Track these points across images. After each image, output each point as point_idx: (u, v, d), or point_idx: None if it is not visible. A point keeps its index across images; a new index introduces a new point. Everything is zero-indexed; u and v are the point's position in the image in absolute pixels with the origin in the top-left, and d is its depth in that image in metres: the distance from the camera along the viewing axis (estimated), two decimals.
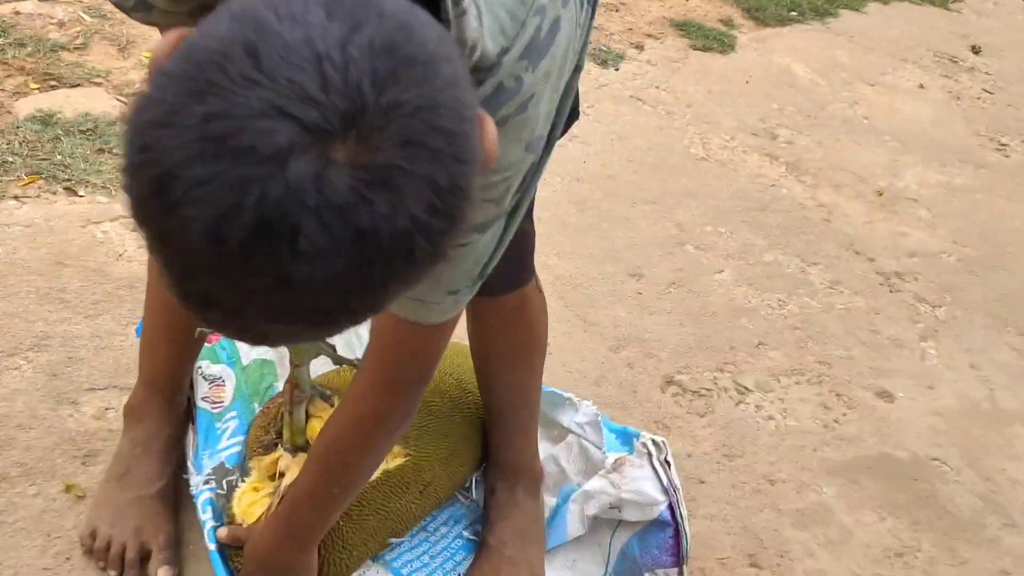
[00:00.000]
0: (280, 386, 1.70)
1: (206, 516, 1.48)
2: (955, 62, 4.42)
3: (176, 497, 1.56)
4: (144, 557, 1.45)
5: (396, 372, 1.19)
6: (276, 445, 1.51)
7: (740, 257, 2.69)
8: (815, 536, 1.93)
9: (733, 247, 2.73)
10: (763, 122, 3.43)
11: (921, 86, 4.11)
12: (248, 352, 1.68)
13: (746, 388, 2.25)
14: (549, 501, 1.74)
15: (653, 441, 1.65)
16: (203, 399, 1.62)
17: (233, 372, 1.66)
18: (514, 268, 1.49)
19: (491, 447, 1.68)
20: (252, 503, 1.47)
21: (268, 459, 1.50)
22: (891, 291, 2.76)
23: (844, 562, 1.89)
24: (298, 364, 1.43)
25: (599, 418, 1.80)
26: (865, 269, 2.82)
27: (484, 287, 1.40)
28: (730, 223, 2.83)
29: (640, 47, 3.64)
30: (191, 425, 1.61)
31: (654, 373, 2.20)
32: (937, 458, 2.21)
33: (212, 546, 1.46)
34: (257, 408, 1.63)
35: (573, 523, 1.67)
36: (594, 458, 1.78)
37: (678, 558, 1.60)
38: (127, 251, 2.01)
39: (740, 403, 2.21)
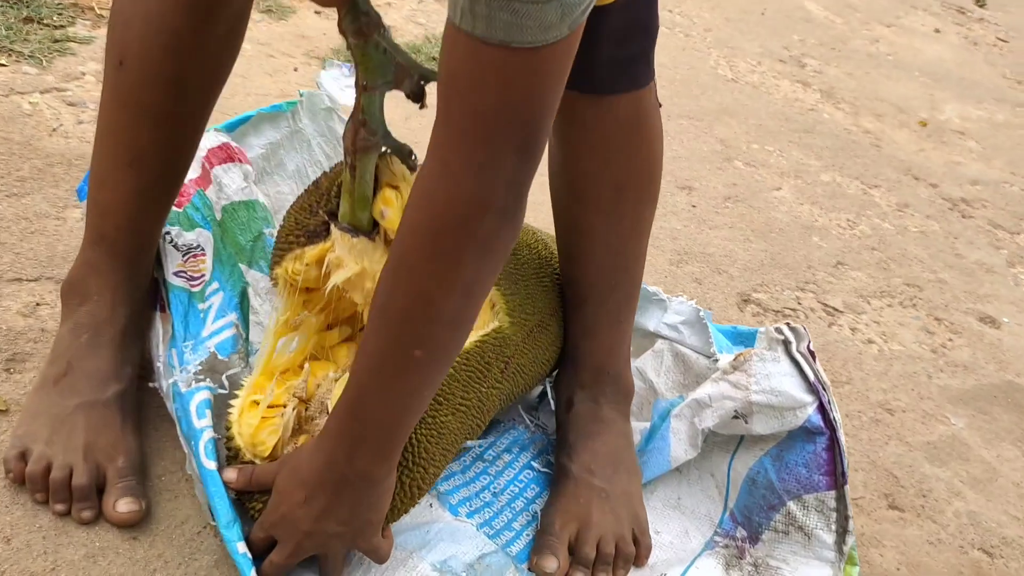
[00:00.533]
0: (274, 232, 1.18)
1: (203, 423, 1.01)
2: (963, 12, 4.15)
3: (138, 408, 1.09)
4: (99, 486, 0.98)
5: (480, 132, 0.77)
6: (324, 233, 1.01)
7: (796, 175, 2.30)
8: (956, 473, 1.53)
9: (786, 165, 2.34)
10: (788, 51, 3.07)
11: (937, 30, 3.82)
12: (217, 201, 1.19)
13: (835, 309, 1.85)
14: (637, 426, 1.30)
15: (790, 327, 1.20)
16: (177, 274, 1.14)
17: (211, 231, 1.18)
18: (634, 56, 1.07)
19: (571, 343, 1.24)
20: (262, 427, 1.00)
21: (310, 254, 1.00)
22: (963, 216, 2.39)
23: (998, 503, 1.49)
24: (368, 87, 0.93)
25: (701, 315, 1.36)
26: (930, 194, 2.45)
27: (595, 79, 1.03)
28: (777, 142, 2.44)
29: None
30: (159, 312, 1.14)
31: (727, 290, 1.79)
32: None
33: (211, 464, 0.99)
34: (245, 269, 1.16)
35: (678, 445, 1.22)
36: (696, 366, 1.34)
37: (834, 477, 1.16)
38: (63, 125, 1.53)
39: (832, 325, 1.80)
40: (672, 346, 1.36)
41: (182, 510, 1.04)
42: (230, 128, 1.34)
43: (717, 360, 1.29)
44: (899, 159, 2.59)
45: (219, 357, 1.07)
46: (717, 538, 1.21)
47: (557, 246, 1.22)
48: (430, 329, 0.84)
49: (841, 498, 1.15)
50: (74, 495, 0.96)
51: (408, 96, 0.97)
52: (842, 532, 1.16)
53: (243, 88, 1.77)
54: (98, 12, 1.85)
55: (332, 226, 1.00)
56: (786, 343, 1.20)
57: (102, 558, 0.97)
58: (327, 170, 1.25)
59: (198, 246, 1.16)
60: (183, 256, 1.15)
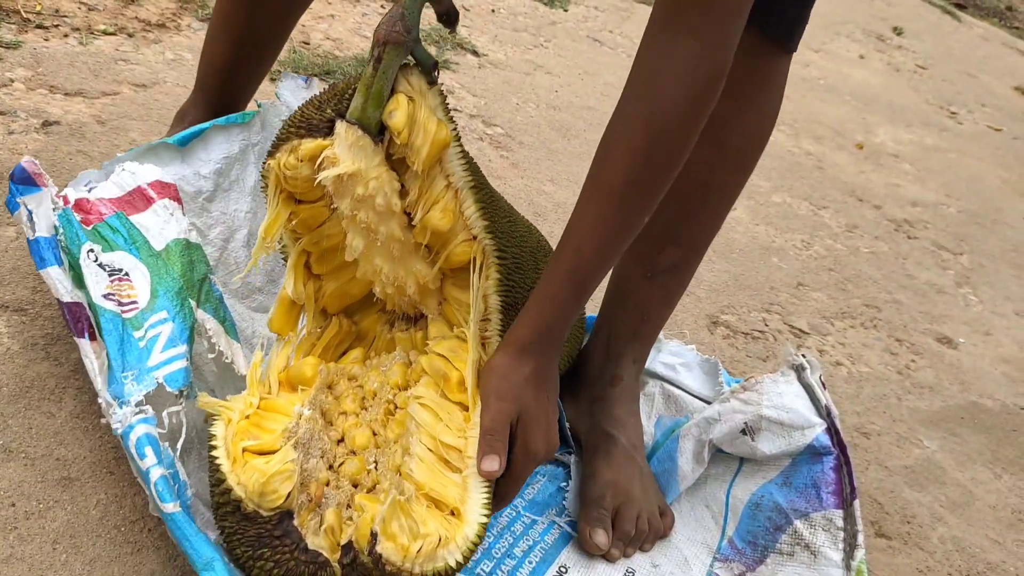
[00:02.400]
0: (216, 279, 1.15)
1: (148, 463, 0.89)
2: (882, 39, 4.25)
3: None
4: None
5: (733, 5, 0.88)
6: (327, 131, 0.96)
7: (748, 196, 2.29)
8: (936, 497, 1.50)
9: None
10: None
11: (861, 56, 3.90)
12: (160, 233, 1.10)
13: (802, 331, 1.82)
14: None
15: (804, 355, 1.16)
16: (107, 297, 1.02)
17: (140, 261, 1.07)
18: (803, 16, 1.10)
19: (633, 311, 1.21)
20: (271, 476, 0.88)
21: (306, 147, 0.96)
22: (908, 237, 2.41)
23: (978, 527, 1.47)
24: None
25: (700, 359, 1.33)
26: (875, 215, 2.47)
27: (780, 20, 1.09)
28: None
29: None
30: (88, 341, 1.00)
31: (696, 312, 1.74)
32: None
33: (169, 506, 0.88)
34: (194, 305, 1.06)
35: (685, 463, 1.17)
36: (690, 406, 1.29)
37: (842, 496, 1.11)
38: None
39: (800, 346, 1.77)
40: (664, 388, 1.31)
41: (146, 564, 0.93)
42: (182, 142, 1.23)
43: (723, 392, 1.25)
44: (842, 180, 2.60)
45: (167, 389, 0.96)
46: (717, 565, 1.15)
47: None
48: (664, 187, 0.93)
49: (850, 516, 1.11)
50: None
51: (440, 17, 0.99)
52: (850, 549, 1.12)
53: (186, 99, 1.65)
54: (24, 15, 1.71)
55: (338, 122, 0.96)
56: (800, 369, 1.16)
57: None
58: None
59: (122, 270, 1.05)
60: (109, 277, 1.03)
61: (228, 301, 1.16)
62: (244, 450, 0.92)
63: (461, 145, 1.02)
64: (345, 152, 0.96)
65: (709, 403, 1.27)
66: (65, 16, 1.78)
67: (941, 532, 1.43)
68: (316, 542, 0.89)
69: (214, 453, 0.91)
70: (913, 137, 3.19)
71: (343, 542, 0.90)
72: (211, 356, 1.09)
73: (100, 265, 1.05)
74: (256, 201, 1.28)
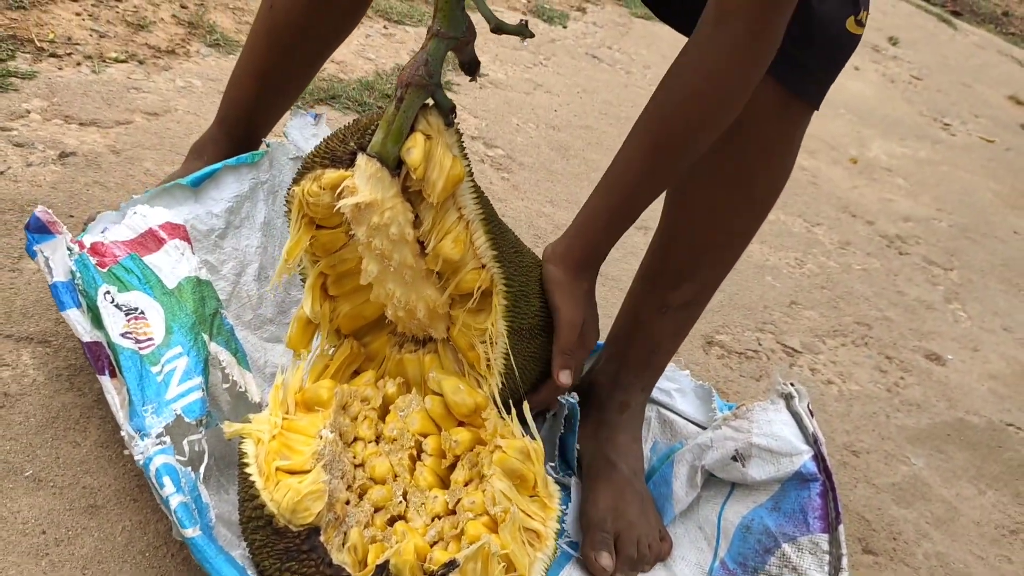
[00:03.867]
0: (227, 313, 1.22)
1: (168, 491, 0.95)
2: (878, 50, 4.30)
3: None
4: None
5: None
6: (349, 162, 1.05)
7: None
8: (922, 514, 1.56)
9: None
10: None
11: (856, 68, 3.95)
12: (172, 272, 1.17)
13: (794, 350, 1.88)
14: None
15: (793, 384, 1.22)
16: (124, 335, 1.08)
17: (155, 299, 1.13)
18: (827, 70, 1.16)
19: (647, 340, 1.27)
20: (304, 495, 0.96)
21: (329, 176, 1.04)
22: (900, 253, 2.47)
23: (962, 543, 1.53)
24: (440, 34, 1.01)
25: (695, 384, 1.38)
26: (868, 232, 2.52)
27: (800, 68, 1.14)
28: None
29: (582, 10, 3.28)
30: (109, 378, 1.07)
31: (692, 332, 1.79)
32: (1012, 423, 1.89)
33: (191, 531, 0.94)
34: (207, 338, 1.12)
35: (680, 488, 1.23)
36: (684, 431, 1.34)
37: (827, 521, 1.17)
38: (11, 168, 1.45)
39: (793, 365, 1.83)
40: (660, 412, 1.36)
41: None
42: (195, 183, 1.29)
43: (715, 419, 1.30)
44: (836, 196, 2.66)
45: (186, 420, 1.03)
46: None
47: (665, 213, 1.25)
48: (704, 141, 1.07)
49: (835, 540, 1.16)
50: None
51: (462, 65, 1.07)
52: (835, 572, 1.17)
53: (197, 127, 1.70)
54: (38, 45, 1.77)
55: (359, 154, 1.04)
56: (788, 397, 1.22)
57: None
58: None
59: (138, 309, 1.11)
60: (125, 317, 1.09)
61: (241, 332, 1.22)
62: (277, 469, 0.99)
63: (474, 180, 1.09)
64: (364, 183, 1.03)
65: (703, 428, 1.32)
66: (77, 44, 1.83)
67: (926, 548, 1.49)
68: (340, 558, 0.97)
69: (247, 470, 0.98)
70: (906, 150, 3.25)
71: (369, 561, 0.99)
72: (225, 387, 1.14)
73: (117, 306, 1.11)
74: (266, 237, 1.34)
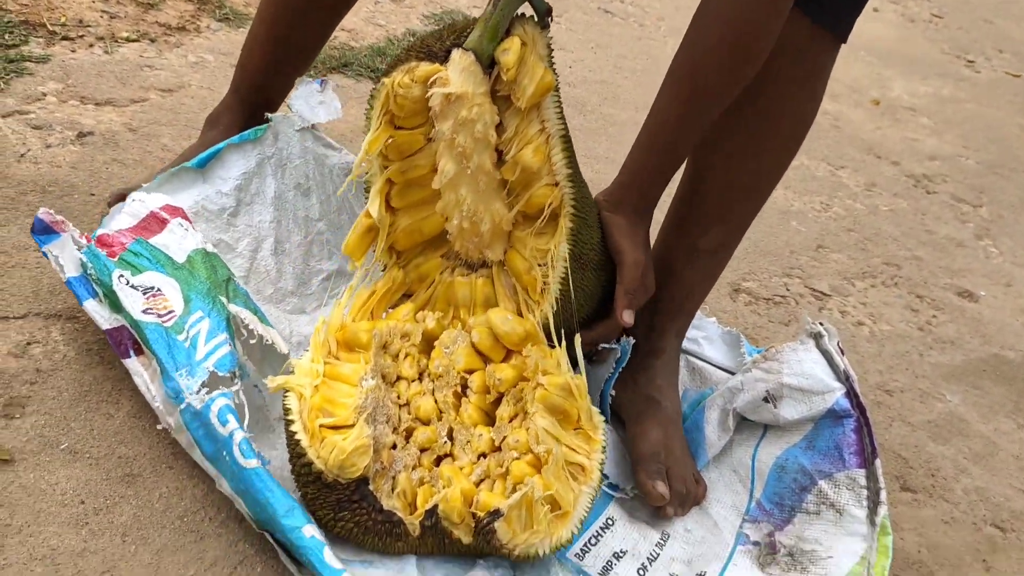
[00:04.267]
0: (248, 289, 1.23)
1: (229, 428, 0.98)
2: None
3: None
4: None
5: None
6: (443, 58, 1.06)
7: None
8: (959, 450, 1.55)
9: None
10: None
11: (875, 9, 3.87)
12: (179, 248, 1.18)
13: (823, 293, 1.86)
14: None
15: (822, 323, 1.21)
16: (145, 312, 1.09)
17: (168, 275, 1.14)
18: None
19: (680, 287, 1.26)
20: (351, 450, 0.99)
21: (423, 69, 1.06)
22: (927, 192, 2.43)
23: (1002, 477, 1.51)
24: None
25: (722, 331, 1.38)
26: (894, 172, 2.48)
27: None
28: None
29: None
30: (135, 358, 1.09)
31: (718, 281, 1.78)
32: None
33: (252, 462, 0.97)
34: (225, 301, 1.13)
35: (712, 432, 1.22)
36: (714, 377, 1.34)
37: (863, 456, 1.16)
38: (31, 151, 1.45)
39: (823, 309, 1.81)
40: (689, 361, 1.36)
41: (210, 551, 0.99)
42: (201, 164, 1.29)
43: (745, 363, 1.29)
44: (860, 139, 2.62)
45: (219, 374, 1.04)
46: (747, 526, 1.20)
47: (693, 157, 1.23)
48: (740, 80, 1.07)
49: (871, 475, 1.16)
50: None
51: (536, 9, 1.08)
52: (873, 506, 1.16)
53: (212, 101, 1.70)
54: (50, 28, 1.77)
55: (454, 49, 1.06)
56: (818, 336, 1.21)
57: None
58: (311, 188, 1.36)
59: (154, 287, 1.12)
60: (143, 295, 1.10)
61: (263, 307, 1.22)
62: (321, 426, 1.00)
63: (559, 96, 1.10)
64: (456, 75, 1.05)
65: (732, 374, 1.31)
66: (89, 26, 1.83)
67: (965, 483, 1.47)
68: (390, 503, 1.01)
69: (292, 428, 0.99)
70: (929, 89, 3.19)
71: (419, 505, 1.02)
72: (252, 342, 1.14)
73: (132, 287, 1.12)
74: (278, 211, 1.34)
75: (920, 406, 1.62)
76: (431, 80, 1.06)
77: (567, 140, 1.10)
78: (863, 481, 1.15)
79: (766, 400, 1.18)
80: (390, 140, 1.11)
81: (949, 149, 2.75)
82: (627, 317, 1.12)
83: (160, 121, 1.63)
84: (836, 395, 1.17)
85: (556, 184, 1.09)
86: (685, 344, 1.37)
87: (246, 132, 1.33)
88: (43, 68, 1.66)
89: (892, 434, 1.53)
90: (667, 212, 1.29)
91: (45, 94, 1.60)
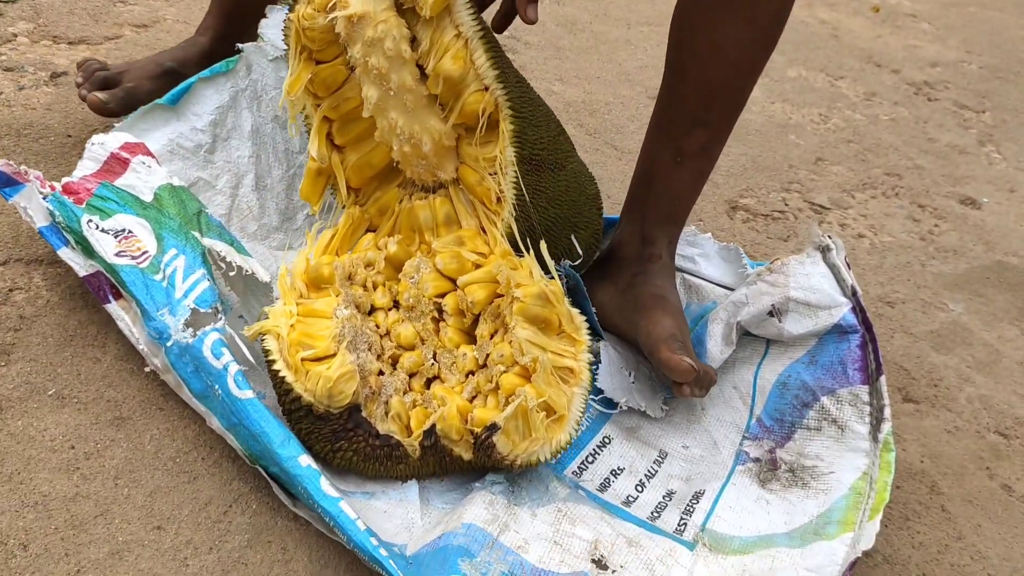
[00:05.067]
0: (212, 211, 1.21)
1: (223, 360, 0.97)
2: None
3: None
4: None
5: None
6: None
7: (763, 74, 2.25)
8: (962, 359, 1.53)
9: None
10: None
11: None
12: (145, 186, 1.15)
13: (822, 207, 1.82)
14: None
15: (829, 236, 1.18)
16: (118, 255, 1.07)
17: (137, 216, 1.12)
18: None
19: (667, 190, 1.23)
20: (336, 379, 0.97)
21: None
22: (929, 100, 2.38)
23: (1005, 384, 1.50)
24: None
25: (719, 247, 1.34)
26: (894, 80, 2.42)
27: None
28: None
29: None
30: (113, 302, 1.07)
31: (714, 199, 1.75)
32: None
33: (246, 393, 0.95)
34: (198, 235, 1.10)
35: (715, 346, 1.20)
36: (712, 294, 1.31)
37: (867, 373, 1.14)
38: (3, 93, 1.42)
39: (822, 223, 1.78)
40: (685, 279, 1.33)
41: (204, 491, 0.99)
42: (173, 100, 1.26)
43: (747, 275, 1.27)
44: (859, 47, 2.55)
45: (200, 310, 1.02)
46: (746, 443, 1.19)
47: (670, 59, 1.19)
48: None
49: (875, 391, 1.14)
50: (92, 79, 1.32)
51: None
52: (876, 422, 1.15)
53: (188, 35, 1.65)
54: None
55: None
56: (825, 249, 1.18)
57: (128, 553, 0.92)
58: (285, 124, 1.31)
59: (125, 229, 1.09)
60: (115, 239, 1.08)
61: (248, 244, 1.20)
62: (303, 360, 0.99)
63: None
64: None
65: (732, 290, 1.29)
66: None
67: (968, 392, 1.46)
68: (386, 427, 1.00)
69: (275, 367, 0.98)
70: None
71: (413, 427, 1.01)
72: (231, 274, 1.12)
73: (103, 231, 1.09)
74: (257, 145, 1.30)
75: (922, 316, 1.60)
76: (330, 5, 1.02)
77: (489, 40, 1.05)
78: (866, 397, 1.13)
79: (771, 314, 1.16)
80: (312, 77, 1.08)
81: (952, 55, 2.68)
82: (531, 13, 1.07)
83: (135, 58, 1.58)
84: (843, 310, 1.15)
85: (486, 88, 1.05)
86: (682, 263, 1.34)
87: (216, 64, 1.29)
88: (12, 8, 1.61)
89: (894, 345, 1.51)
90: (650, 120, 1.26)
91: (16, 35, 1.55)
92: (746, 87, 1.20)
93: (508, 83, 1.06)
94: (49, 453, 0.98)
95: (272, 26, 1.34)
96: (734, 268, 1.33)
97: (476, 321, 1.09)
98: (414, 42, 1.05)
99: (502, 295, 1.07)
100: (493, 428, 0.97)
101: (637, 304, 1.21)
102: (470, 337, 1.09)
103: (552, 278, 1.06)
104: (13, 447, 0.97)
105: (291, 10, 1.06)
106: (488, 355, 1.04)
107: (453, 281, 1.11)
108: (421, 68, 1.07)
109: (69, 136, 1.37)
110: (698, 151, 1.20)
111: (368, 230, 1.18)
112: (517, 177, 1.06)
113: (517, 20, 2.15)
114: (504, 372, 1.02)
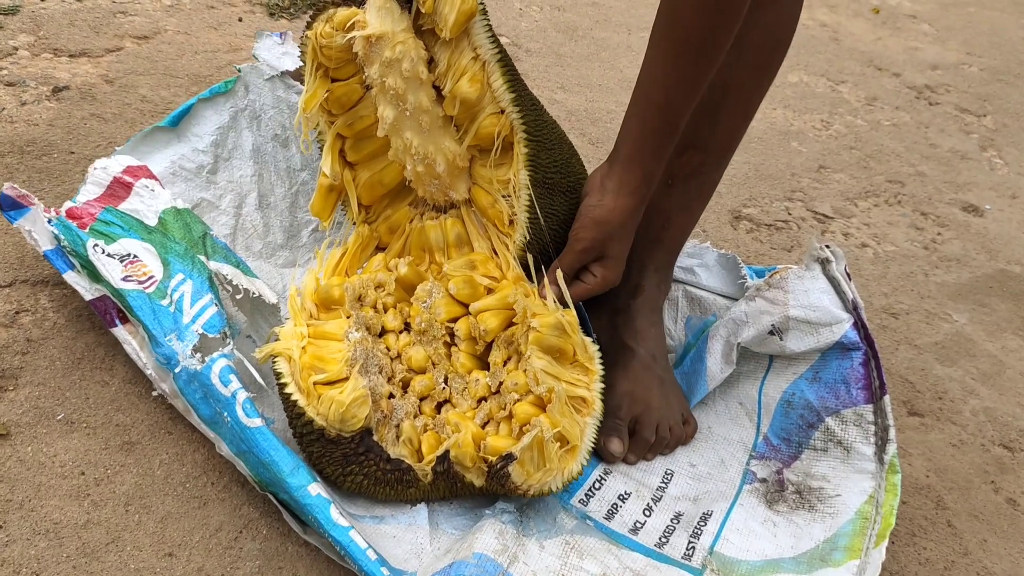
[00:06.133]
0: (216, 231, 1.21)
1: (232, 388, 0.97)
2: None
3: None
4: None
5: None
6: (361, 2, 1.05)
7: None
8: (967, 371, 1.53)
9: None
10: None
11: None
12: (149, 210, 1.15)
13: (825, 216, 1.82)
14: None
15: (830, 247, 1.18)
16: (125, 280, 1.07)
17: (142, 241, 1.12)
18: None
19: (657, 221, 1.22)
20: (349, 403, 0.97)
21: (341, 15, 1.04)
22: (930, 104, 2.38)
23: (1010, 396, 1.50)
24: None
25: (717, 255, 1.34)
26: (895, 84, 2.42)
27: None
28: None
29: None
30: (121, 327, 1.08)
31: (718, 209, 1.75)
32: None
33: (255, 421, 0.95)
34: (204, 259, 1.10)
35: (714, 364, 1.20)
36: (714, 306, 1.31)
37: (871, 391, 1.14)
38: (5, 109, 1.41)
39: (825, 232, 1.78)
40: (686, 290, 1.33)
41: (214, 517, 0.99)
42: (173, 123, 1.26)
43: (747, 286, 1.27)
44: (860, 51, 2.55)
45: (209, 336, 1.02)
46: (753, 462, 1.19)
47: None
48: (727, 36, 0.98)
49: (880, 410, 1.14)
50: None
51: None
52: (881, 443, 1.15)
53: (189, 47, 1.65)
54: None
55: None
56: (824, 261, 1.18)
57: None
58: (288, 137, 1.31)
59: (130, 254, 1.09)
60: (121, 263, 1.07)
61: (254, 263, 1.20)
62: (315, 384, 0.99)
63: (488, 20, 1.06)
64: (374, 16, 1.02)
65: (734, 300, 1.29)
66: None
67: (973, 404, 1.46)
68: (397, 451, 1.01)
69: (287, 390, 0.98)
70: None
71: (424, 452, 1.02)
72: (238, 297, 1.12)
73: (109, 255, 1.09)
74: (258, 164, 1.30)
75: (926, 327, 1.60)
76: (349, 25, 1.03)
77: (505, 63, 1.05)
78: (870, 417, 1.13)
79: (771, 333, 1.16)
80: (328, 94, 1.08)
81: (952, 57, 2.68)
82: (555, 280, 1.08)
83: (137, 71, 1.58)
84: (844, 327, 1.15)
85: (502, 111, 1.06)
86: (681, 275, 1.34)
87: (216, 85, 1.29)
88: (12, 21, 1.60)
89: (898, 358, 1.52)
90: None
91: (16, 48, 1.55)
92: (738, 111, 1.19)
93: (524, 106, 1.06)
94: (59, 479, 0.98)
95: (264, 48, 1.34)
96: (734, 276, 1.32)
97: (489, 346, 1.09)
98: (431, 63, 1.06)
99: (515, 323, 1.07)
100: (509, 458, 0.97)
101: (607, 354, 1.21)
102: (481, 362, 1.09)
103: (567, 307, 1.06)
104: (24, 474, 0.97)
105: (309, 28, 1.05)
106: (501, 383, 1.04)
107: (465, 305, 1.11)
108: (437, 89, 1.07)
109: (72, 153, 1.36)
110: (689, 173, 1.20)
111: (377, 248, 1.18)
112: (531, 200, 1.06)
113: (519, 22, 2.14)
114: (518, 400, 1.02)
